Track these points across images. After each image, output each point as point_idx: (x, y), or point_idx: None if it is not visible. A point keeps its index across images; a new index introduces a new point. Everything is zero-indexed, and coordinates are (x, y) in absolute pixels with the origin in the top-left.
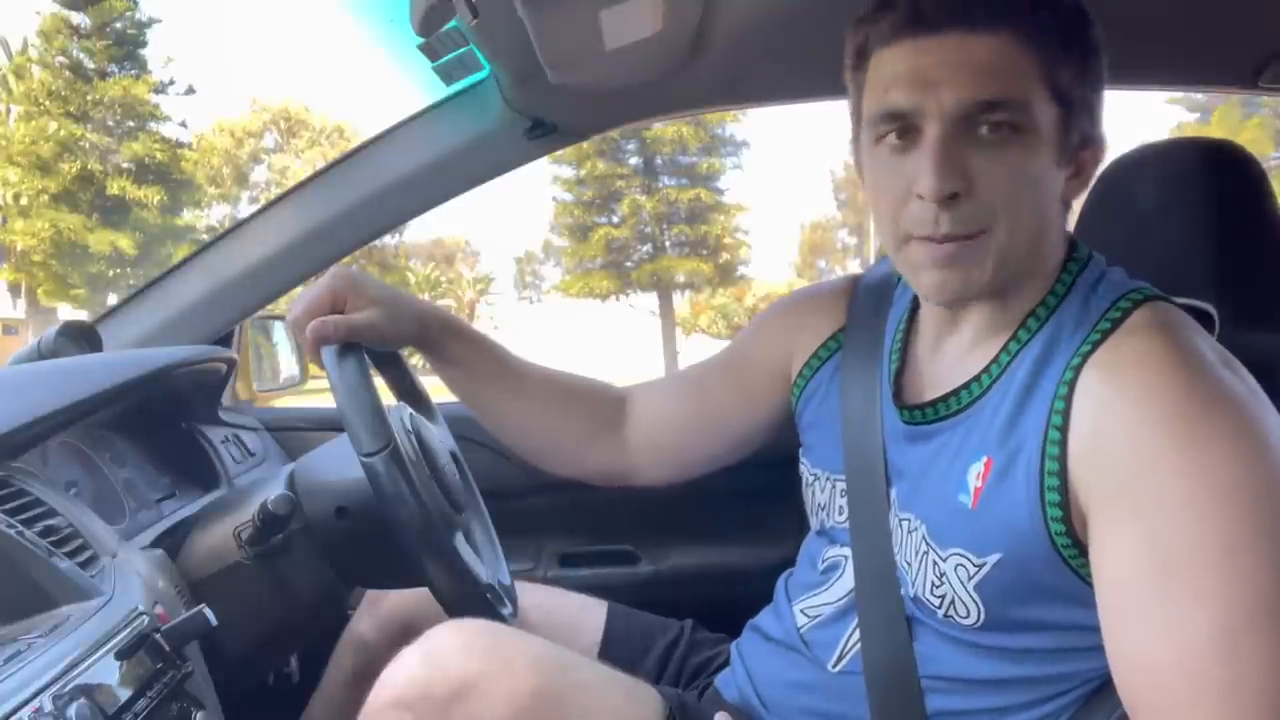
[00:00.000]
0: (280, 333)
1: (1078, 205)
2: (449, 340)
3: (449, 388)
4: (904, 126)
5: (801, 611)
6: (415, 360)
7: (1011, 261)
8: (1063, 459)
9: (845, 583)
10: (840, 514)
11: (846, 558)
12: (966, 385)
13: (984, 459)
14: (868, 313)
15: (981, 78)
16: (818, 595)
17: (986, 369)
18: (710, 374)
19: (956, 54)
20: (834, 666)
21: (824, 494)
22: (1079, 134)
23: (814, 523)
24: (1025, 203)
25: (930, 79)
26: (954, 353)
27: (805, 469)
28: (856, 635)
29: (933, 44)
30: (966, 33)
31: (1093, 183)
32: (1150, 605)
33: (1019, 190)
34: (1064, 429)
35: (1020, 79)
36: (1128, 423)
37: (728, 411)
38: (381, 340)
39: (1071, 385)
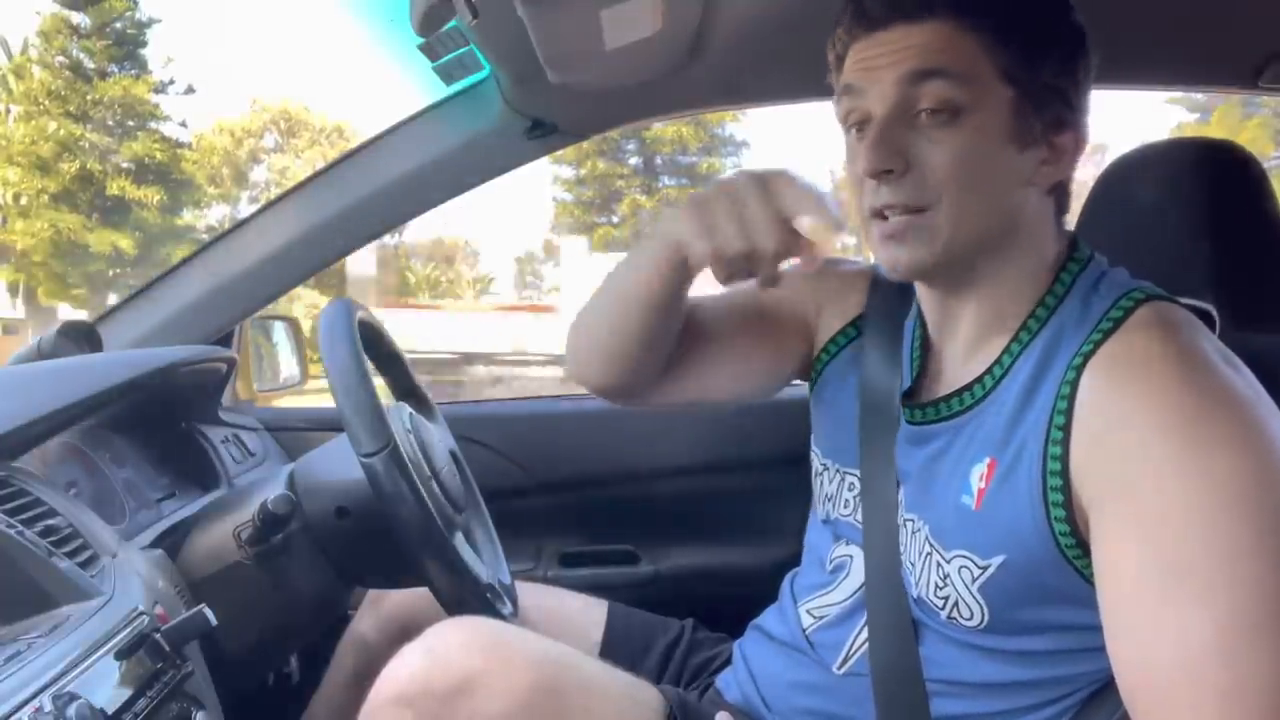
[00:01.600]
0: (280, 333)
1: (1078, 206)
2: None
3: (647, 300)
4: (860, 116)
5: (808, 612)
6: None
7: (961, 239)
8: (1065, 459)
9: (852, 582)
10: (846, 507)
11: (853, 556)
12: (969, 387)
13: (987, 460)
14: (887, 309)
15: (920, 54)
16: (824, 595)
17: (989, 370)
18: (749, 310)
19: (898, 43)
20: (839, 668)
21: (832, 485)
22: (1048, 117)
23: (820, 512)
24: (969, 180)
25: (875, 65)
26: (957, 353)
27: (815, 457)
28: (863, 636)
29: (879, 38)
30: (906, 24)
31: (1093, 182)
32: (1152, 606)
33: (961, 169)
34: (1066, 429)
35: (959, 56)
36: (1130, 422)
37: (759, 350)
38: None
39: (1074, 385)
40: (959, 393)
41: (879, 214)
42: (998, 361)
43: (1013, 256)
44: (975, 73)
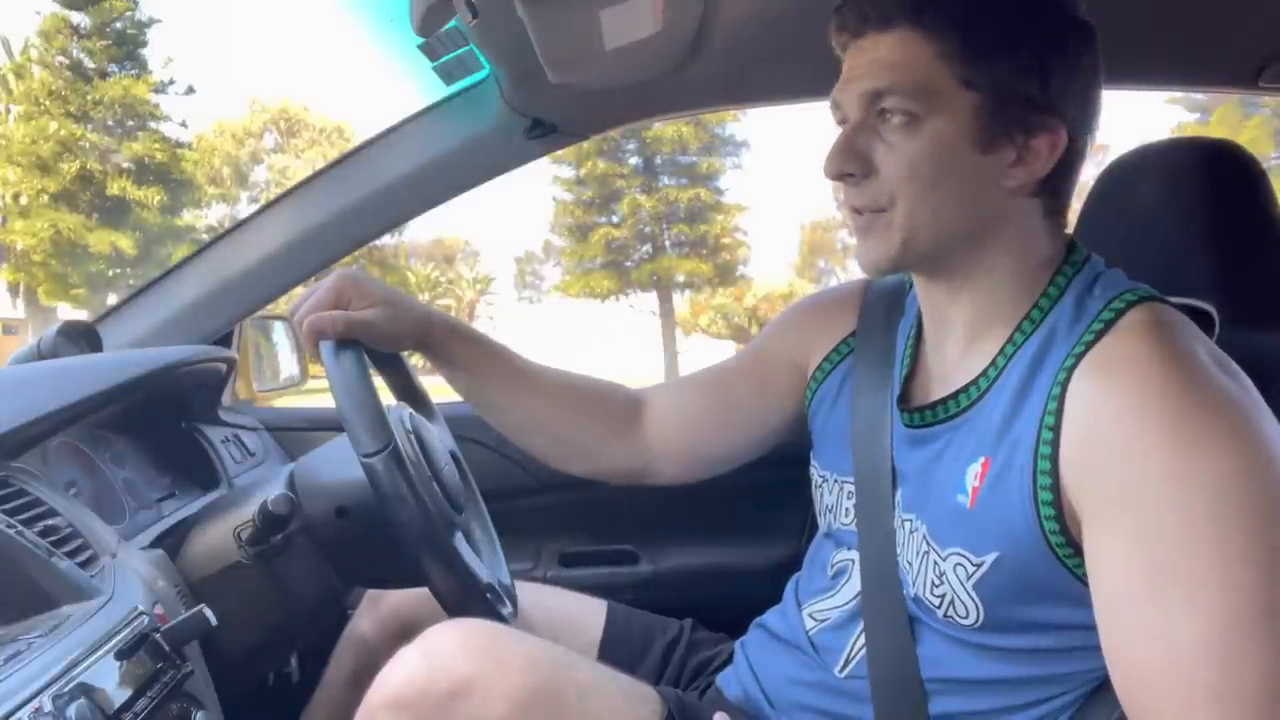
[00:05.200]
0: (280, 333)
1: (1077, 205)
2: (453, 343)
3: (455, 390)
4: (842, 120)
5: (810, 615)
6: (415, 360)
7: (922, 237)
8: (1054, 460)
9: (853, 586)
10: (847, 516)
11: (853, 561)
12: (965, 388)
13: (982, 460)
14: (879, 319)
15: (880, 70)
16: (826, 599)
17: (984, 371)
18: (729, 373)
19: (870, 53)
20: (841, 671)
21: (832, 496)
22: (1012, 121)
23: (822, 524)
24: (924, 183)
25: (850, 77)
26: (954, 354)
27: (815, 470)
28: (863, 640)
29: (858, 46)
30: (877, 33)
31: (1093, 183)
32: (1143, 608)
33: (914, 172)
34: (1056, 430)
35: (916, 69)
36: (1119, 424)
37: (747, 410)
38: (382, 339)
39: (1064, 386)
40: (955, 394)
41: (852, 211)
42: (992, 362)
43: (997, 256)
44: (932, 82)
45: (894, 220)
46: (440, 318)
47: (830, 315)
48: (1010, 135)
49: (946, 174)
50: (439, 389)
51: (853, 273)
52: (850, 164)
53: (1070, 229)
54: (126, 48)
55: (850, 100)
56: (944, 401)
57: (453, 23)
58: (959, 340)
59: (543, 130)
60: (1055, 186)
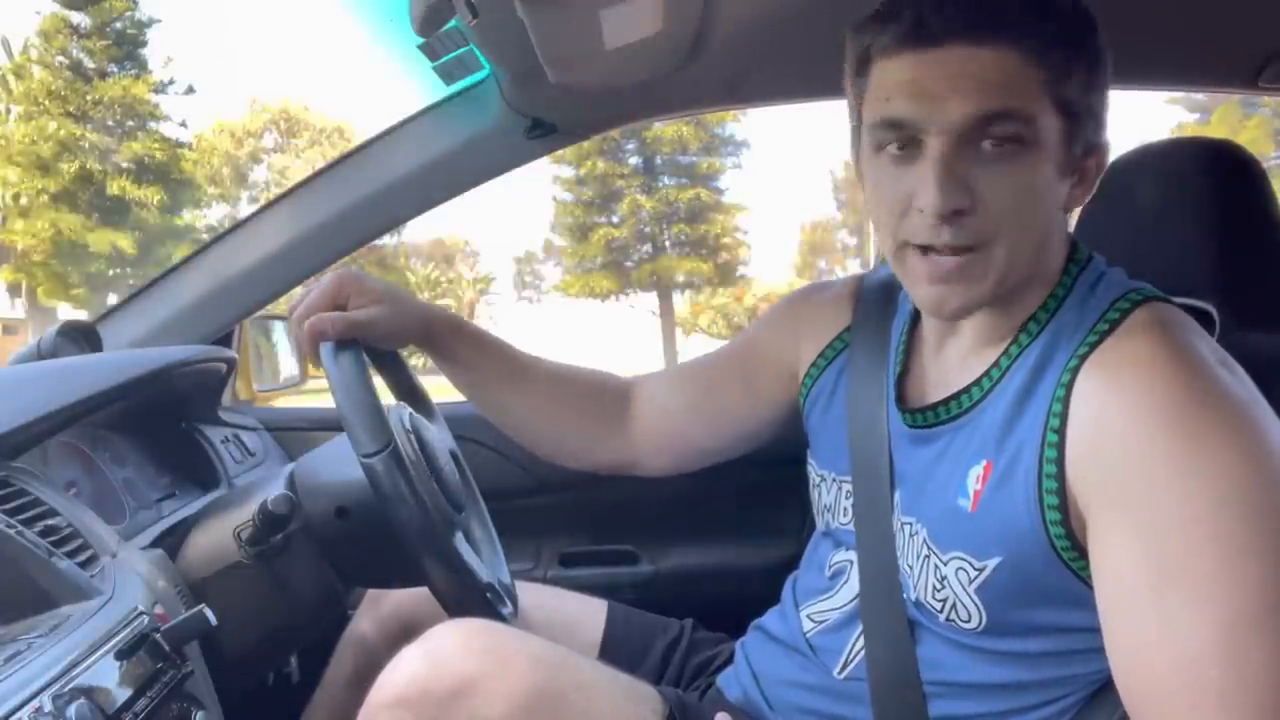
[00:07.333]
0: (280, 333)
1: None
2: (454, 340)
3: (456, 387)
4: (905, 138)
5: (808, 617)
6: (415, 360)
7: (1013, 275)
8: (1060, 461)
9: (851, 588)
10: (845, 515)
11: (852, 562)
12: (967, 389)
13: (984, 462)
14: (873, 315)
15: (985, 91)
16: (824, 601)
17: (987, 373)
18: (716, 367)
19: (960, 67)
20: (839, 673)
21: (830, 495)
22: (1083, 143)
23: (820, 524)
24: (1029, 217)
25: (933, 92)
26: (956, 356)
27: (812, 470)
28: (862, 642)
29: (937, 56)
30: (971, 46)
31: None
32: (1148, 608)
33: (1023, 205)
34: (1061, 431)
35: (1025, 92)
36: (1124, 424)
37: (733, 405)
38: (383, 337)
39: (1069, 387)
40: (957, 395)
41: (928, 250)
42: (995, 364)
43: (1031, 275)
44: (1038, 107)
45: (993, 259)
46: (441, 314)
47: (823, 311)
48: (1080, 158)
49: (1043, 204)
50: (439, 389)
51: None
52: (963, 197)
53: (1071, 230)
54: (126, 48)
55: (941, 120)
56: (945, 403)
57: (453, 23)
58: (964, 344)
59: (543, 130)
60: (1084, 200)
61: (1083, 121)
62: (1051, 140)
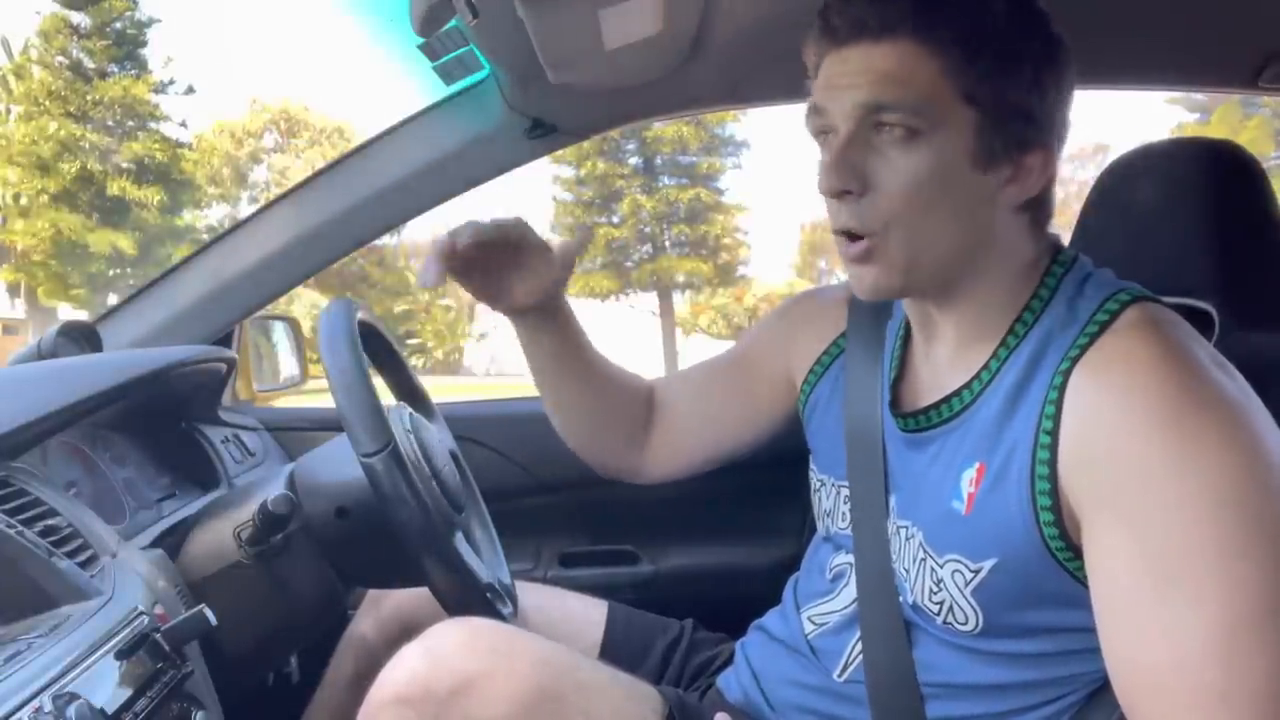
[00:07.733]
0: (280, 332)
1: (1078, 206)
2: (565, 321)
3: (533, 371)
4: (823, 129)
5: (809, 619)
6: (415, 360)
7: (924, 261)
8: (1053, 463)
9: (851, 591)
10: (844, 520)
11: (852, 565)
12: (959, 392)
13: (977, 465)
14: (867, 319)
15: (879, 82)
16: (825, 603)
17: (978, 374)
18: (714, 374)
19: (860, 63)
20: (839, 675)
21: (829, 500)
22: (1011, 138)
23: (821, 528)
24: (925, 204)
25: (839, 85)
26: (944, 357)
27: (813, 474)
28: (861, 645)
29: (844, 55)
30: (869, 44)
31: (1093, 182)
32: (1144, 609)
33: (918, 191)
34: (1054, 432)
35: (919, 83)
36: (1117, 424)
37: (730, 411)
38: (524, 293)
39: (1061, 389)
40: (948, 399)
41: (843, 234)
42: (985, 366)
43: (989, 270)
44: (935, 97)
45: (890, 244)
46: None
47: (817, 316)
48: (1008, 153)
49: (946, 193)
50: (439, 389)
51: None
52: (849, 179)
53: (1070, 230)
54: (126, 48)
55: (841, 110)
56: (937, 406)
57: (453, 23)
58: (948, 346)
59: (543, 130)
60: (1042, 199)
61: (1004, 116)
62: (956, 129)
